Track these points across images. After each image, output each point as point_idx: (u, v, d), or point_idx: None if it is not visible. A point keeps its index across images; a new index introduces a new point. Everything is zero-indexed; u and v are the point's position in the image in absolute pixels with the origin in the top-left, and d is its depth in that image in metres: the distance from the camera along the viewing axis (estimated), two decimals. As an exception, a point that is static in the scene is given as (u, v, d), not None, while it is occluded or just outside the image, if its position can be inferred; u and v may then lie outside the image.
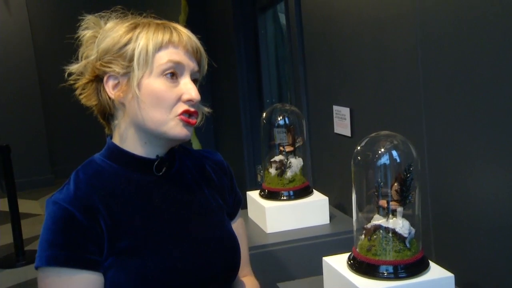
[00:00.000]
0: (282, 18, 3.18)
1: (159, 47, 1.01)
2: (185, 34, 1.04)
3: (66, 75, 1.07)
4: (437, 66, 1.43)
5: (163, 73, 1.01)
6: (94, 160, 1.08)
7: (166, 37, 1.01)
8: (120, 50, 1.01)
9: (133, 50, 1.00)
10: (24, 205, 5.06)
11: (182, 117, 1.02)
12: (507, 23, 1.17)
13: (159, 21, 1.06)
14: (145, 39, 1.00)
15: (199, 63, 1.07)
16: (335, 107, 2.07)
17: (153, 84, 1.01)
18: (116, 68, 1.01)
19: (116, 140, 1.08)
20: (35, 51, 5.85)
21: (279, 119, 1.95)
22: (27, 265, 3.70)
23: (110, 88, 1.03)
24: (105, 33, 1.04)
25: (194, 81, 1.06)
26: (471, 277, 1.36)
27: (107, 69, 1.02)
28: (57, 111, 5.90)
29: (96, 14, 1.08)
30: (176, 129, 1.03)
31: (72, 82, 1.07)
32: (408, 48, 1.54)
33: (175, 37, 1.02)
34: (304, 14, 2.28)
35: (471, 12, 1.28)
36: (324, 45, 2.13)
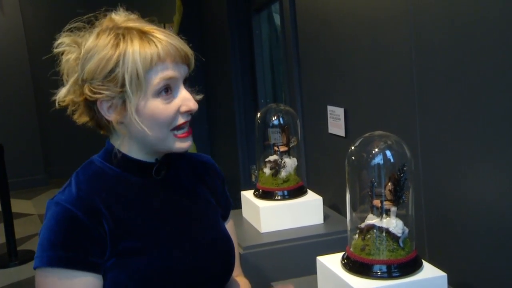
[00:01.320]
0: (277, 19, 3.19)
1: (148, 68, 0.97)
2: (169, 43, 0.99)
3: (57, 104, 1.04)
4: (431, 67, 1.44)
5: (158, 93, 0.99)
6: (94, 162, 1.08)
7: (154, 54, 0.97)
8: (109, 75, 0.98)
9: (123, 75, 0.97)
10: (17, 205, 5.03)
11: (179, 135, 1.03)
12: (501, 24, 1.18)
13: (139, 28, 1.01)
14: (132, 61, 0.96)
15: (188, 65, 1.05)
16: (329, 107, 2.08)
17: (150, 107, 0.99)
18: (109, 94, 0.99)
19: (114, 143, 1.07)
20: (29, 51, 5.82)
21: (273, 119, 1.96)
22: (20, 265, 3.68)
23: (105, 111, 1.01)
24: (87, 54, 1.00)
25: (185, 80, 1.05)
26: (464, 277, 1.37)
27: (99, 96, 0.99)
28: (51, 110, 5.88)
29: (68, 28, 1.04)
30: (177, 144, 1.03)
31: (62, 104, 1.05)
32: (402, 49, 1.55)
33: (161, 51, 0.98)
34: (299, 14, 2.29)
35: (465, 13, 1.29)
36: (319, 46, 2.14)
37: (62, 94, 1.04)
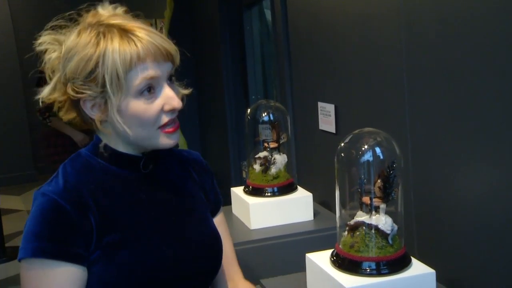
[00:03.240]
0: (268, 15, 3.18)
1: (128, 69, 0.96)
2: (149, 42, 0.98)
3: (40, 103, 1.03)
4: (421, 64, 1.44)
5: (139, 93, 0.98)
6: (81, 155, 1.08)
7: (134, 53, 0.96)
8: (90, 76, 0.97)
9: (104, 76, 0.96)
10: (6, 201, 4.99)
11: (165, 130, 1.02)
12: (493, 21, 1.18)
13: (121, 25, 0.99)
14: (112, 62, 0.95)
15: (172, 61, 1.03)
16: (320, 104, 2.07)
17: (132, 106, 0.98)
18: (91, 94, 0.99)
19: (103, 138, 1.07)
20: (18, 46, 5.77)
21: (263, 115, 1.95)
22: (8, 261, 3.66)
23: (89, 110, 1.01)
24: (68, 53, 0.99)
25: (170, 78, 1.04)
26: (453, 274, 1.37)
27: (81, 96, 0.99)
28: (36, 108, 5.83)
29: (50, 26, 1.03)
30: (162, 141, 1.03)
31: (47, 102, 1.05)
32: (393, 45, 1.55)
33: (141, 51, 0.96)
34: (289, 10, 2.28)
35: (456, 10, 1.29)
36: (310, 42, 2.13)
37: (46, 93, 1.03)
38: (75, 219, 0.97)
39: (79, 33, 1.00)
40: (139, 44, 0.97)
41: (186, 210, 1.13)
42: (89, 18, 1.02)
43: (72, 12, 1.04)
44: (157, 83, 1.00)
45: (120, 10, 1.05)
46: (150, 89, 0.99)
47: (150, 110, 0.99)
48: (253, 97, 3.46)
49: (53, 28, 1.04)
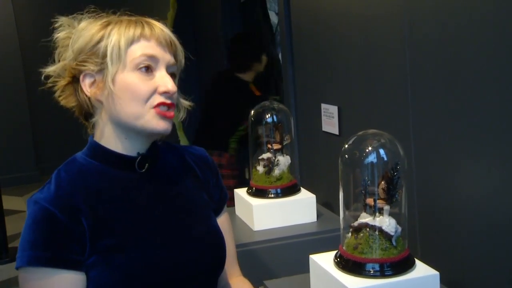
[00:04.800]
0: (271, 16, 3.18)
1: (131, 41, 1.00)
2: (157, 27, 1.04)
3: (43, 77, 1.06)
4: (425, 65, 1.44)
5: (137, 67, 1.01)
6: (76, 159, 1.08)
7: (138, 31, 1.01)
8: (93, 48, 1.01)
9: (106, 47, 1.00)
10: (9, 202, 5.00)
11: (158, 109, 1.02)
12: (496, 21, 1.18)
13: (132, 18, 1.05)
14: (117, 34, 1.01)
15: (175, 56, 1.06)
16: (323, 105, 2.07)
17: (127, 78, 1.00)
18: (91, 66, 1.01)
19: (97, 138, 1.08)
20: (21, 45, 5.78)
21: (267, 116, 1.95)
22: (11, 262, 3.66)
23: (87, 87, 1.03)
24: (78, 33, 1.04)
25: (172, 75, 1.06)
26: (456, 275, 1.37)
27: (82, 68, 1.02)
28: (43, 106, 5.83)
29: (70, 16, 1.08)
30: (153, 122, 1.02)
31: (50, 84, 1.07)
32: (396, 47, 1.55)
33: (147, 30, 1.02)
34: (293, 11, 2.28)
35: (459, 12, 1.29)
36: (313, 43, 2.13)
37: (51, 69, 1.06)
38: (68, 226, 0.97)
39: (92, 21, 1.06)
40: (146, 26, 1.02)
41: (186, 209, 1.11)
42: (106, 16, 1.07)
43: (93, 7, 1.09)
44: (156, 65, 1.02)
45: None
46: (148, 69, 1.02)
47: (144, 86, 1.01)
48: (256, 98, 3.45)
49: (73, 17, 1.08)
